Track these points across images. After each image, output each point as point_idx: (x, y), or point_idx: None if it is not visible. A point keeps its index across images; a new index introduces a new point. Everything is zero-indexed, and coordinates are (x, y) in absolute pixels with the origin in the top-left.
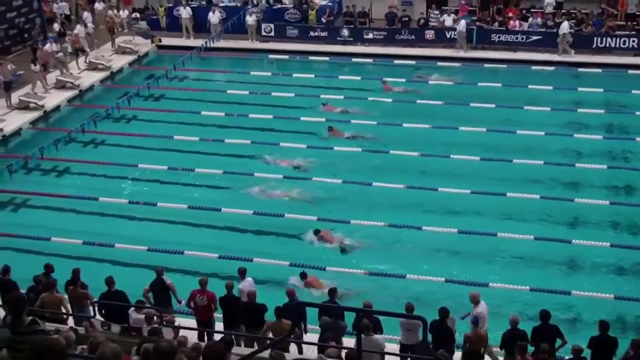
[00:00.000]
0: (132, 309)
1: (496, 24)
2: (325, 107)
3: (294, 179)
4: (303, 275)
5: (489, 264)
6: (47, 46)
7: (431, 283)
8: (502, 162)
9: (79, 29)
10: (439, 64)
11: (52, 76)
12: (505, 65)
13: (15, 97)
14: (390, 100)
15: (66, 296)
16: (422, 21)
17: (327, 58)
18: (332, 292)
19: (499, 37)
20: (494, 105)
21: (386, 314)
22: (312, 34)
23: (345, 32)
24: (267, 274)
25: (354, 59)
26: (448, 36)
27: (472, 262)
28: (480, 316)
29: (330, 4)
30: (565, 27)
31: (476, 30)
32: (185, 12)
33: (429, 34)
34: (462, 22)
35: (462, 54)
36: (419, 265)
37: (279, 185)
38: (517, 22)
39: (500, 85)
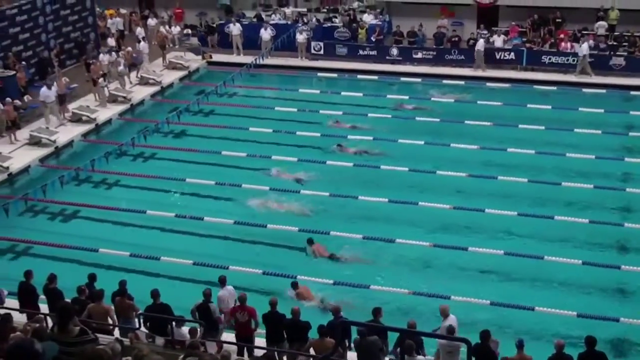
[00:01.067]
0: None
1: (547, 45)
2: (336, 123)
3: (340, 197)
4: (294, 285)
5: (535, 288)
6: (101, 56)
7: (476, 305)
8: (550, 184)
9: (142, 45)
10: (488, 84)
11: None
12: (555, 87)
13: (69, 109)
14: (438, 120)
15: (113, 307)
16: (471, 42)
17: (375, 77)
18: (376, 311)
19: (549, 59)
20: (543, 127)
21: (430, 335)
22: (361, 52)
23: (395, 51)
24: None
25: (402, 78)
26: (497, 57)
27: (519, 285)
28: (449, 329)
29: (380, 23)
30: (585, 48)
31: (526, 52)
32: (235, 29)
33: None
34: (481, 42)
35: (480, 72)
36: (463, 286)
37: (322, 203)
38: (569, 44)
39: (550, 107)
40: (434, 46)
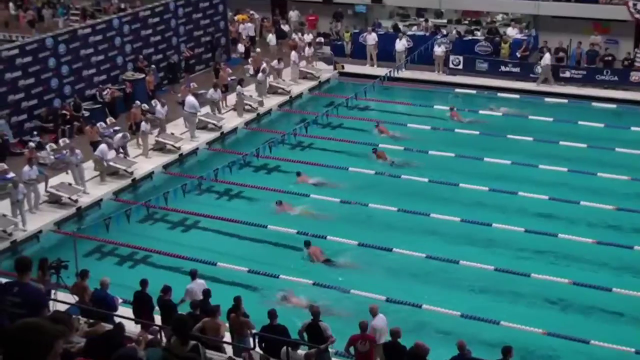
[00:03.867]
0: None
1: None
2: (377, 128)
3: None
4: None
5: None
6: (260, 76)
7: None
8: None
9: (294, 55)
10: None
11: (232, 97)
12: None
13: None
14: (585, 145)
15: (227, 324)
16: (626, 62)
17: (517, 96)
18: (507, 350)
19: None
20: None
21: None
22: (503, 68)
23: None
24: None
25: (546, 99)
26: None
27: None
28: (377, 328)
29: (526, 37)
30: None
31: None
32: (370, 39)
33: (635, 76)
34: (547, 56)
35: (548, 88)
36: (565, 321)
37: (422, 223)
38: None
39: None
40: (585, 65)
